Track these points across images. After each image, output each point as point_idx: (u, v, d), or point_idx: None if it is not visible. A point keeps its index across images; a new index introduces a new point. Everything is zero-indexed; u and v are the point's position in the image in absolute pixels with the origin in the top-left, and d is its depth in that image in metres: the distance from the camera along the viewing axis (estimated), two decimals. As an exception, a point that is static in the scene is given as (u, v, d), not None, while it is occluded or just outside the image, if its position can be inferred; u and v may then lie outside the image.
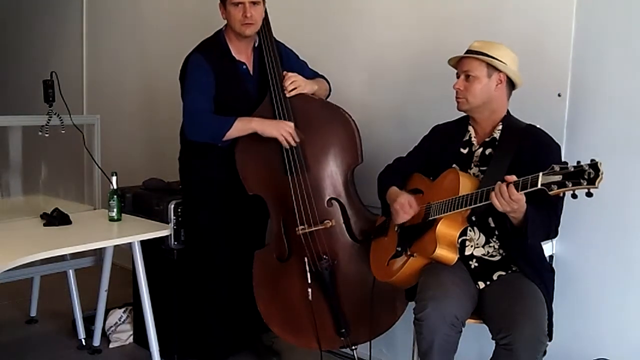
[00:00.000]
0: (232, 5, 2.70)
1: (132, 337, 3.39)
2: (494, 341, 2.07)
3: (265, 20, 2.81)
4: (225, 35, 2.83)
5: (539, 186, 1.85)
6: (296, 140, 2.67)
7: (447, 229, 2.19)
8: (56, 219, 2.97)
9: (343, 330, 2.70)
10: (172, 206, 3.04)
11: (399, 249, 2.37)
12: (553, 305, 2.21)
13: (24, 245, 2.66)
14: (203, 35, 2.89)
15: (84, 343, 3.36)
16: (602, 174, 1.76)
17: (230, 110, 2.72)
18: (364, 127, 2.83)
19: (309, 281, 2.68)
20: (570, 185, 1.80)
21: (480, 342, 2.27)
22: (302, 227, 2.69)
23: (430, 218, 2.24)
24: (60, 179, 3.62)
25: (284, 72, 2.76)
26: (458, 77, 2.30)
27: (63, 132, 3.09)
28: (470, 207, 2.09)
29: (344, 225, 2.74)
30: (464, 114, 2.38)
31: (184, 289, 3.08)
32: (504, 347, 2.01)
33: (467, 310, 2.16)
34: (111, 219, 3.05)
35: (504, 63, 2.22)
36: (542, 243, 2.31)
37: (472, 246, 2.28)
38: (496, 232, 2.25)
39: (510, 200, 1.94)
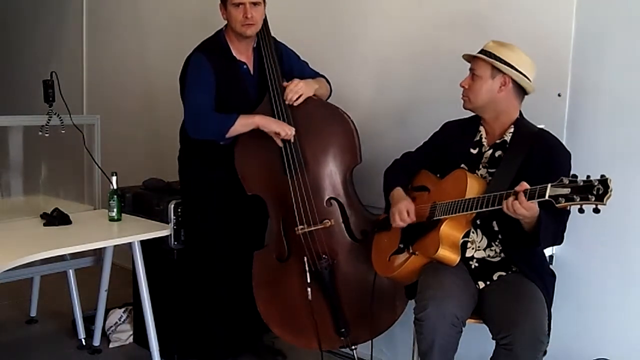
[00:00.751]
0: (232, 5, 2.70)
1: (132, 337, 3.39)
2: (494, 341, 2.07)
3: (264, 20, 2.81)
4: (226, 36, 2.83)
5: (547, 197, 1.85)
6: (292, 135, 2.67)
7: (451, 230, 2.19)
8: (56, 219, 2.97)
9: (343, 330, 2.70)
10: (172, 206, 3.04)
11: (402, 245, 2.37)
12: (553, 305, 2.21)
13: (24, 245, 2.66)
14: (203, 35, 2.89)
15: (84, 343, 3.36)
16: (611, 191, 1.75)
17: (230, 110, 2.72)
18: (365, 127, 2.83)
19: (309, 281, 2.68)
20: (578, 199, 1.79)
21: (480, 342, 2.27)
22: (302, 226, 2.70)
23: (435, 218, 2.23)
24: (60, 179, 3.62)
25: (284, 84, 2.76)
26: None
27: (63, 132, 3.09)
28: (477, 211, 2.09)
29: (343, 225, 2.74)
30: (476, 114, 2.36)
31: (184, 289, 3.08)
32: (504, 347, 2.01)
33: (467, 310, 2.16)
34: (111, 219, 3.05)
35: (509, 66, 2.20)
36: (543, 248, 2.31)
37: (473, 248, 2.28)
38: (499, 236, 2.25)
39: (522, 209, 1.93)
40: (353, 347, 2.75)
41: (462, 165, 2.32)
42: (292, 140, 2.68)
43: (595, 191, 1.77)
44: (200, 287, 3.00)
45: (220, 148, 2.77)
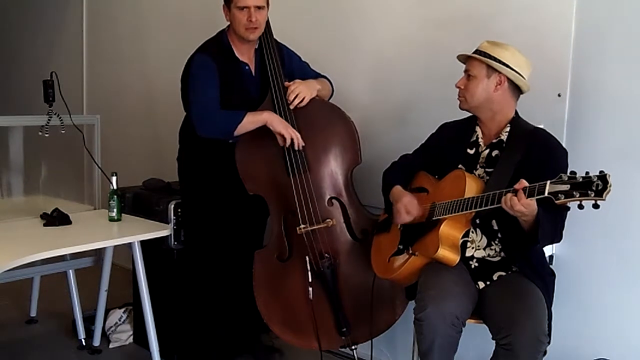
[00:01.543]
0: (237, 9, 2.70)
1: (132, 337, 3.39)
2: (494, 341, 2.07)
3: (266, 22, 2.81)
4: (228, 36, 2.83)
5: (546, 194, 1.85)
6: (301, 145, 2.68)
7: (450, 230, 2.19)
8: (56, 219, 2.97)
9: (344, 329, 2.71)
10: (172, 206, 3.04)
11: (401, 246, 2.37)
12: (553, 305, 2.21)
13: (24, 245, 2.65)
14: (204, 35, 2.89)
15: (84, 343, 3.36)
16: (610, 186, 1.75)
17: (232, 110, 2.72)
18: (365, 128, 2.84)
19: (310, 280, 2.68)
20: (577, 195, 1.79)
21: (481, 342, 2.27)
22: (304, 226, 2.70)
23: (434, 218, 2.24)
24: (60, 179, 3.62)
25: (286, 83, 2.76)
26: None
27: (63, 132, 3.09)
28: (477, 210, 2.09)
29: (344, 224, 2.75)
30: (472, 114, 2.37)
31: (184, 289, 3.08)
32: (504, 347, 2.01)
33: (467, 310, 2.16)
34: (111, 219, 3.05)
35: (504, 65, 2.20)
36: (542, 246, 2.31)
37: (473, 248, 2.28)
38: (499, 235, 2.25)
39: (520, 205, 1.92)
40: (353, 347, 2.75)
41: (460, 166, 2.32)
42: (297, 147, 2.68)
43: (595, 187, 1.77)
44: (200, 287, 3.00)
45: (220, 148, 2.78)
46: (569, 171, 1.86)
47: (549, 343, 2.08)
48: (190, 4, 4.03)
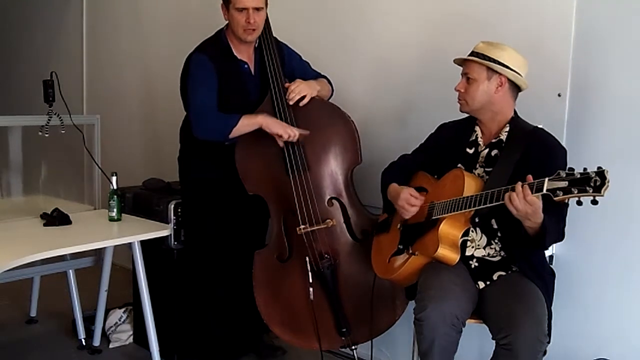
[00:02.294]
0: (235, 10, 2.70)
1: (132, 337, 3.39)
2: (494, 341, 2.07)
3: (266, 21, 2.81)
4: (227, 35, 2.83)
5: (544, 191, 1.85)
6: (301, 135, 2.67)
7: (450, 229, 2.19)
8: (56, 219, 2.97)
9: (344, 329, 2.70)
10: (172, 206, 3.04)
11: (401, 246, 2.37)
12: (553, 305, 2.21)
13: (24, 245, 2.65)
14: (203, 35, 2.89)
15: (84, 343, 3.36)
16: (608, 182, 1.75)
17: (231, 110, 2.72)
18: (365, 128, 2.84)
19: (311, 281, 2.68)
20: (575, 192, 1.79)
21: (480, 342, 2.27)
22: (304, 226, 2.70)
23: (434, 217, 2.23)
24: (60, 179, 3.62)
25: (287, 84, 2.76)
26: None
27: (63, 132, 3.09)
28: (476, 208, 2.09)
29: (344, 225, 2.75)
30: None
31: (184, 289, 3.08)
32: (504, 347, 2.01)
33: (467, 310, 2.16)
34: (111, 219, 3.05)
35: (504, 66, 2.20)
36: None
37: (473, 247, 2.28)
38: (499, 234, 2.25)
39: (525, 201, 1.92)
40: (353, 347, 2.75)
41: (459, 165, 2.32)
42: (296, 141, 2.68)
43: (593, 183, 1.77)
44: (200, 287, 3.00)
45: (220, 148, 2.78)
46: (568, 167, 1.86)
47: (548, 343, 2.08)
48: (190, 4, 4.03)
